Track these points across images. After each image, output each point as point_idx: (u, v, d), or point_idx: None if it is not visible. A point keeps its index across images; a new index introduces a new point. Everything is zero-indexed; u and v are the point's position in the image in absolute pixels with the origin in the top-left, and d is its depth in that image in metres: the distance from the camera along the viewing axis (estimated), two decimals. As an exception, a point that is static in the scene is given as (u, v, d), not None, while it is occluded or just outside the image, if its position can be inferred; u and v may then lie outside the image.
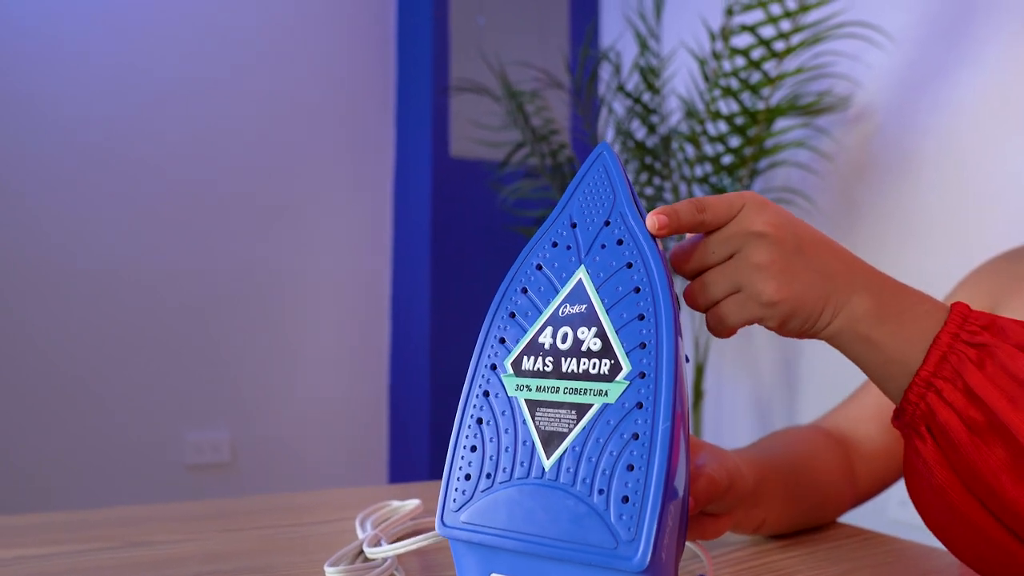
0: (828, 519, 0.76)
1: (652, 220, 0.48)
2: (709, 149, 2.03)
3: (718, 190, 1.99)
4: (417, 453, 2.57)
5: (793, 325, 0.51)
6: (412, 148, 2.65)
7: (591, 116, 2.09)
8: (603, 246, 0.48)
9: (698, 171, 2.03)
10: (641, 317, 0.45)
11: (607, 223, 0.49)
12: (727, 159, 2.01)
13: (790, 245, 0.50)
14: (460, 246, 2.55)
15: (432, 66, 2.54)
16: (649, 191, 2.03)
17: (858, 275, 0.52)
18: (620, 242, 0.48)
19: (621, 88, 1.97)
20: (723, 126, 2.02)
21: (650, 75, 1.96)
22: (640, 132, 2.09)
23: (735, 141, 2.06)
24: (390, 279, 2.76)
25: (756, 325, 0.66)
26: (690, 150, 2.02)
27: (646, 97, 2.00)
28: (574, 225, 0.50)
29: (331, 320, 2.65)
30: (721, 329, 0.52)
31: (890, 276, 0.56)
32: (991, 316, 0.51)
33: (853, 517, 1.82)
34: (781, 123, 2.05)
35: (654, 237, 0.48)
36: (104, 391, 2.33)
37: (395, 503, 0.79)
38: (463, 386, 0.53)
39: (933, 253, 1.79)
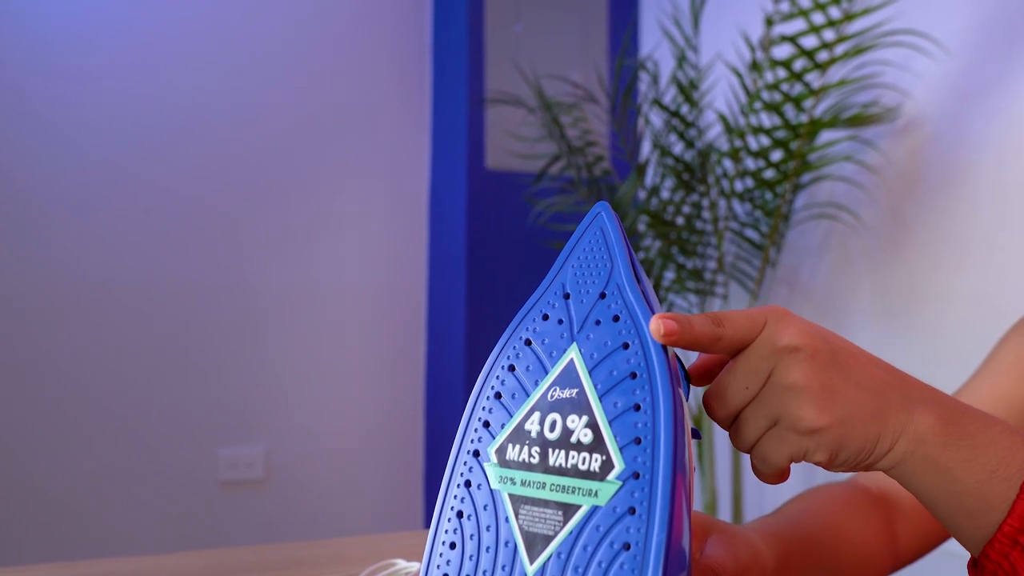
0: None
1: (657, 324, 0.41)
2: (750, 163, 1.96)
3: (759, 206, 1.92)
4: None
5: (846, 456, 0.42)
6: (447, 160, 2.62)
7: (627, 129, 2.04)
8: (597, 322, 0.43)
9: (738, 186, 1.96)
10: (637, 407, 0.40)
11: (603, 295, 0.43)
12: (769, 173, 1.94)
13: (825, 358, 0.42)
14: (496, 258, 2.51)
15: (468, 77, 2.50)
16: (687, 209, 1.97)
17: (911, 388, 0.43)
18: (616, 318, 0.42)
19: (657, 101, 1.91)
20: (764, 139, 1.95)
21: (688, 88, 1.90)
22: (677, 147, 2.03)
23: (777, 155, 1.99)
24: (425, 292, 2.73)
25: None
26: (729, 165, 1.95)
27: (684, 110, 1.94)
28: (567, 296, 0.45)
29: (366, 334, 2.63)
30: (766, 471, 0.44)
31: (939, 390, 0.49)
32: None
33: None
34: (825, 135, 1.97)
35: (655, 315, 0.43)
36: (137, 405, 2.33)
37: (401, 563, 0.75)
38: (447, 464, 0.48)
39: (990, 274, 1.69)
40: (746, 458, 2.21)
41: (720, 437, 2.28)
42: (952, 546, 1.69)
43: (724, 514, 2.27)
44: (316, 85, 2.56)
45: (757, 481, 2.21)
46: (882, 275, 1.90)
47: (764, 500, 2.17)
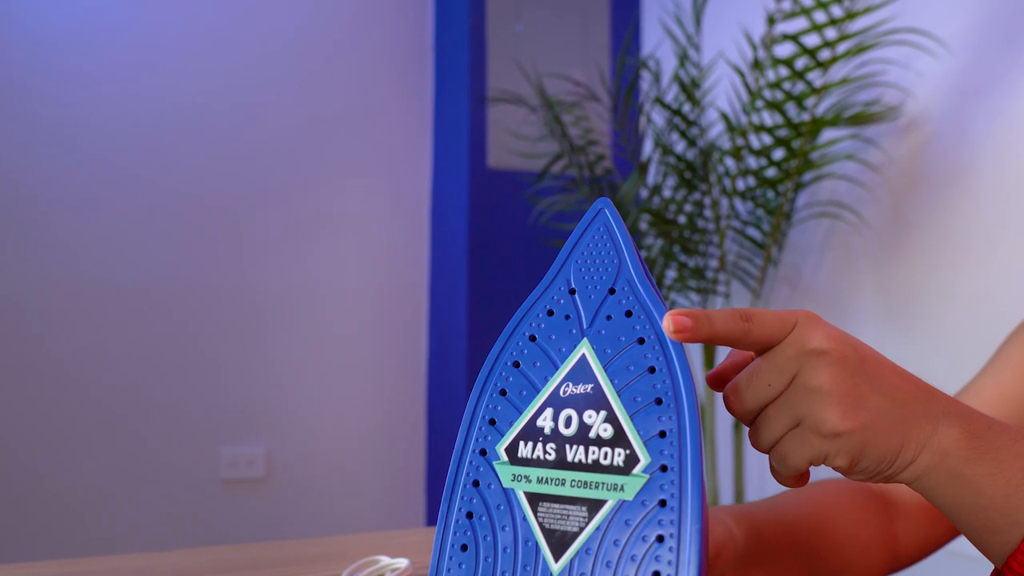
0: None
1: (668, 322, 0.41)
2: (752, 162, 1.96)
3: (761, 204, 1.92)
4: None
5: (866, 464, 0.42)
6: (449, 159, 2.61)
7: (629, 128, 2.03)
8: (608, 317, 0.42)
9: (740, 184, 1.96)
10: (659, 401, 0.40)
11: (612, 291, 0.43)
12: (770, 172, 1.94)
13: (853, 364, 0.42)
14: (498, 257, 2.50)
15: (469, 76, 2.50)
16: (689, 207, 1.96)
17: (936, 401, 0.43)
18: (629, 314, 0.42)
19: (659, 100, 1.91)
20: (766, 138, 1.95)
21: (690, 87, 1.90)
22: (679, 145, 2.03)
23: (779, 153, 1.99)
24: (427, 291, 2.72)
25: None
26: (731, 163, 1.95)
27: (685, 108, 1.94)
28: (572, 291, 0.44)
29: (368, 333, 2.62)
30: (784, 472, 0.44)
31: (965, 404, 0.47)
32: None
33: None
34: (827, 134, 1.97)
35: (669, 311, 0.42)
36: (138, 404, 2.33)
37: (384, 559, 0.75)
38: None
39: (992, 273, 1.69)
40: (748, 458, 2.21)
41: (723, 436, 2.28)
42: (955, 546, 1.69)
43: (726, 513, 2.26)
44: (316, 85, 2.55)
45: (759, 480, 2.20)
46: (884, 273, 1.90)
47: (766, 499, 2.16)
